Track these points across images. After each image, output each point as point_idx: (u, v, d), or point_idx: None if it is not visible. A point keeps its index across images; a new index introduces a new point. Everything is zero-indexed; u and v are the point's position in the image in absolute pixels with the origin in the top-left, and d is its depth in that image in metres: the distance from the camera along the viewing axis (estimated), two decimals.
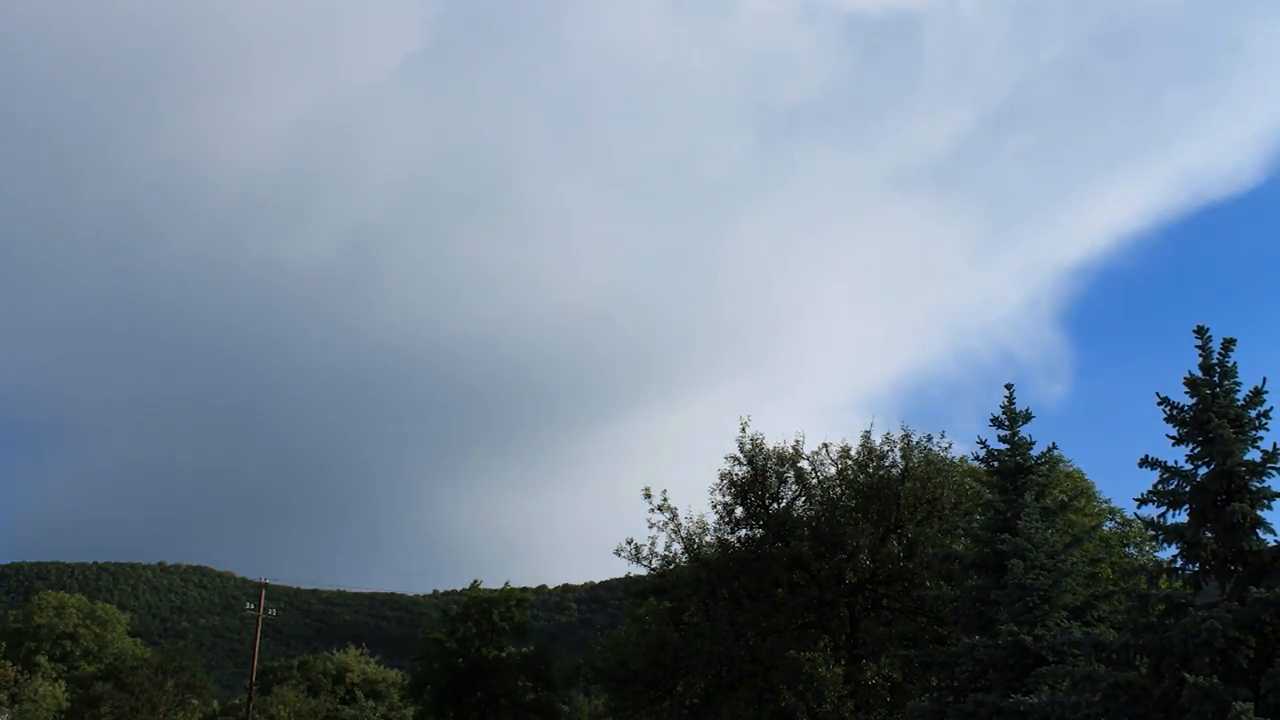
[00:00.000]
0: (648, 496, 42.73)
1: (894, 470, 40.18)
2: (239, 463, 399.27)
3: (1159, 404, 22.52)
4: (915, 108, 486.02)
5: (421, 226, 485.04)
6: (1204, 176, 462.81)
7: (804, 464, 42.11)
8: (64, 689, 73.82)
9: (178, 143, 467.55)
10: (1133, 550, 40.84)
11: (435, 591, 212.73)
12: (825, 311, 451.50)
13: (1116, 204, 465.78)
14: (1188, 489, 22.04)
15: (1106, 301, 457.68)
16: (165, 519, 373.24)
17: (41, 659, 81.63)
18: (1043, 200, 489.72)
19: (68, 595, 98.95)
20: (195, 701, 74.59)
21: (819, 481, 41.86)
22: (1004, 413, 28.66)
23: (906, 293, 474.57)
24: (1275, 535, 21.28)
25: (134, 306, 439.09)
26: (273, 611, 74.95)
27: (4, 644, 78.22)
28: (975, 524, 29.25)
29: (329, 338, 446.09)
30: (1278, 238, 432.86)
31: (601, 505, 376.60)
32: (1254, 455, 21.64)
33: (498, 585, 62.90)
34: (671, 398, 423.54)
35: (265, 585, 73.06)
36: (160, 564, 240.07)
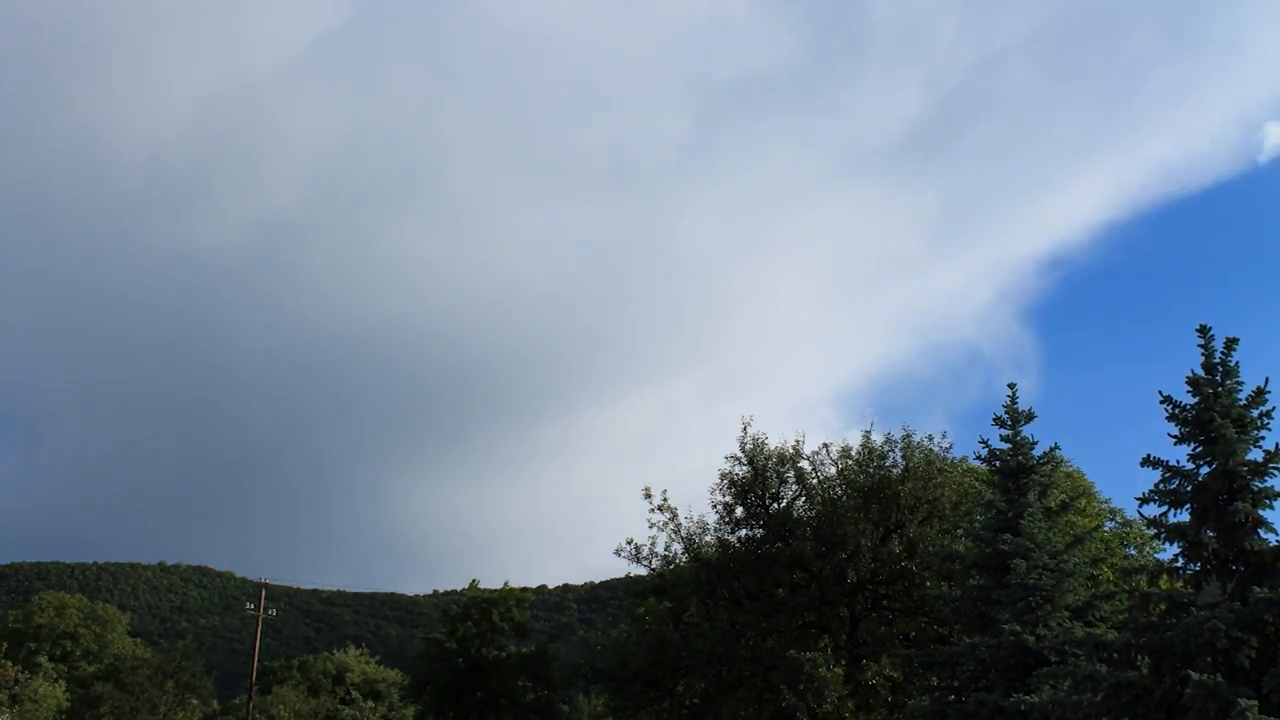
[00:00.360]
0: (648, 496, 42.79)
1: (894, 470, 40.16)
2: (187, 455, 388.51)
3: (1161, 402, 22.52)
4: (866, 84, 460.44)
5: (345, 211, 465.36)
6: (1179, 166, 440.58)
7: (804, 464, 42.15)
8: (64, 689, 73.86)
9: (84, 118, 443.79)
10: (1133, 551, 40.83)
11: (435, 591, 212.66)
12: (783, 304, 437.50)
13: (1085, 194, 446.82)
14: (1189, 488, 22.01)
15: (1075, 295, 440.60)
16: (108, 513, 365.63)
17: (42, 659, 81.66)
18: (1008, 188, 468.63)
19: (68, 595, 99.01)
20: (195, 701, 74.65)
21: (819, 481, 41.86)
22: (1006, 412, 28.64)
23: (867, 284, 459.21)
24: (1277, 535, 21.26)
25: (53, 289, 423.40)
26: (273, 611, 74.91)
27: (4, 644, 78.22)
28: (977, 524, 29.24)
29: (275, 322, 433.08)
30: (1253, 229, 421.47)
31: (558, 499, 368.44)
32: (1256, 455, 21.64)
33: (496, 585, 63.05)
34: (624, 390, 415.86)
35: (265, 585, 72.99)
36: (160, 564, 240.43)
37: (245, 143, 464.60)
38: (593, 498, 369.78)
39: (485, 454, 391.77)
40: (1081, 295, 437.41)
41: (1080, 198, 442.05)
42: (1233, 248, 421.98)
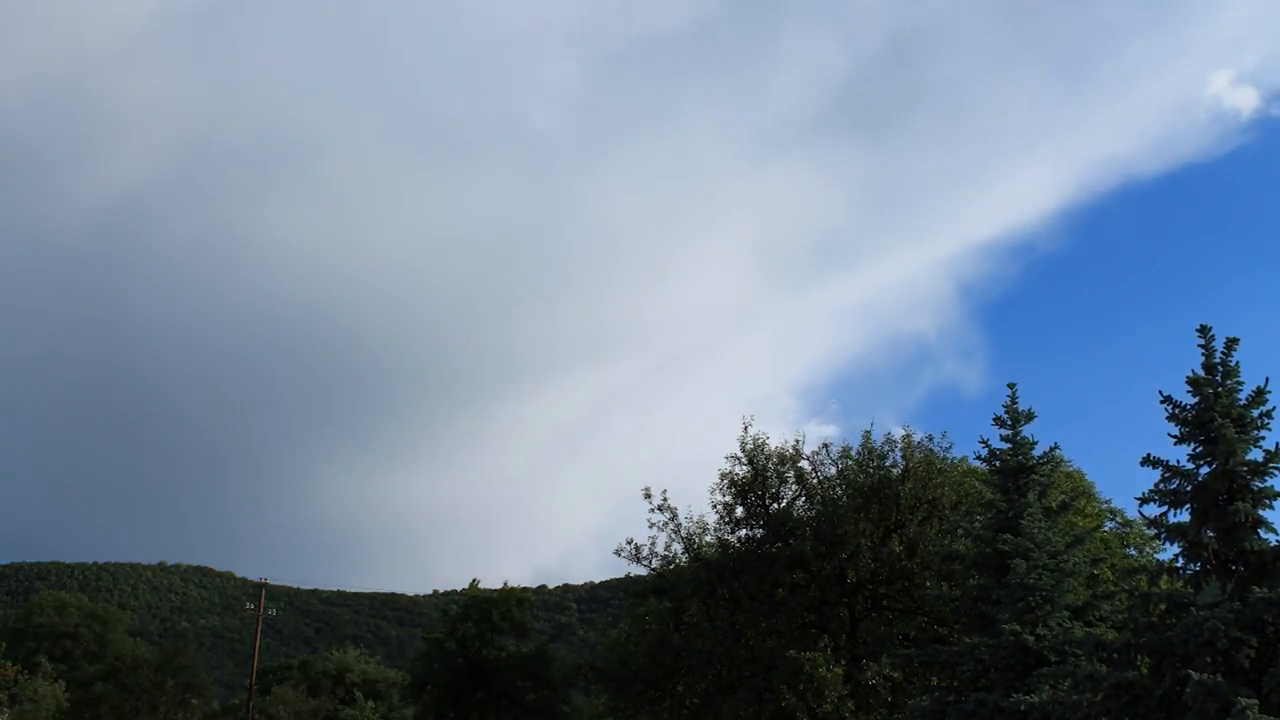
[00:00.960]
0: (648, 496, 42.80)
1: (894, 470, 40.17)
2: (118, 442, 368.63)
3: (1161, 402, 22.53)
4: (789, 42, 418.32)
5: (223, 187, 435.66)
6: (1143, 147, 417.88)
7: (804, 464, 42.18)
8: (64, 689, 73.79)
9: None
10: (1133, 551, 40.87)
11: (435, 591, 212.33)
12: (713, 286, 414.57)
13: (1038, 177, 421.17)
14: (1189, 488, 22.03)
15: (1030, 283, 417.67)
16: (41, 514, 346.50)
17: (42, 659, 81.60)
18: (958, 166, 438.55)
19: (68, 595, 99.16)
20: (195, 701, 74.66)
21: (819, 481, 41.88)
22: (1006, 412, 28.64)
23: (803, 268, 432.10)
24: (1277, 535, 21.31)
25: None
26: (273, 611, 75.04)
27: (4, 644, 78.18)
28: (976, 524, 29.23)
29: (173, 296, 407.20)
30: (1206, 221, 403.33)
31: (492, 490, 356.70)
32: (1256, 455, 21.68)
33: (496, 584, 63.22)
34: (556, 376, 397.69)
35: (265, 585, 73.07)
36: (160, 564, 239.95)
37: (100, 115, 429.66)
38: (531, 489, 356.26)
39: (413, 442, 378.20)
40: (1037, 284, 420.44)
41: (1038, 180, 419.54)
42: (1200, 230, 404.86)
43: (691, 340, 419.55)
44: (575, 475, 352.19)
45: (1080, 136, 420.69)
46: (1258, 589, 20.01)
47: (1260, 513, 21.34)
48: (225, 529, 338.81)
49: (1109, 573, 34.95)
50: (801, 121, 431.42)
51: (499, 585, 63.44)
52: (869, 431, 42.29)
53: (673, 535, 42.75)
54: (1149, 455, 22.31)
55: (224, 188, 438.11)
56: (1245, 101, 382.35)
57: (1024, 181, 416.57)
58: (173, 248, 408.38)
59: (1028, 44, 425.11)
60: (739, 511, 42.06)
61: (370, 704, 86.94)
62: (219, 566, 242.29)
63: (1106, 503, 42.78)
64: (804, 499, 41.78)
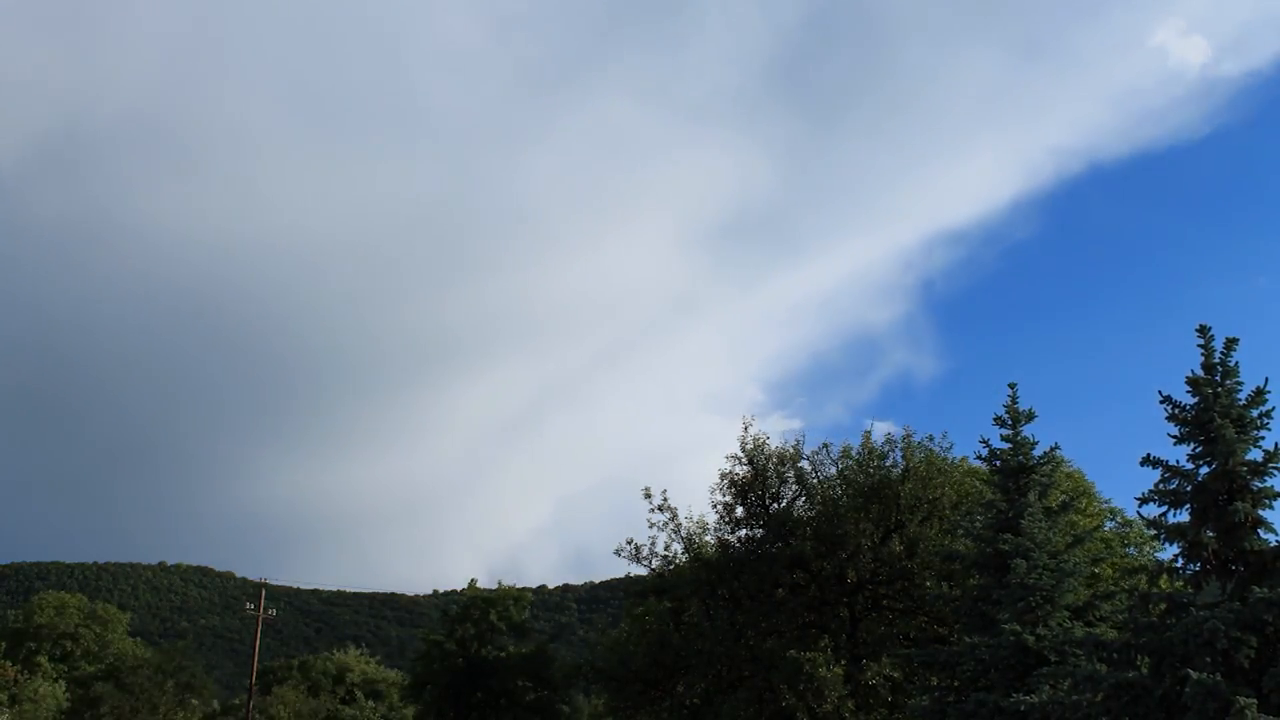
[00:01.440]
0: (648, 496, 42.84)
1: (894, 470, 40.18)
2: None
3: (1161, 403, 22.53)
4: (716, 11, 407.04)
5: (94, 169, 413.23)
6: (1088, 140, 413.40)
7: (804, 464, 42.22)
8: (64, 689, 73.81)
9: None
10: (1133, 550, 40.86)
11: (435, 591, 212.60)
12: (648, 276, 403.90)
13: (991, 164, 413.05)
14: (1189, 488, 22.04)
15: (982, 273, 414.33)
16: None
17: (42, 659, 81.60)
18: (906, 150, 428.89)
19: (68, 595, 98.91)
20: (195, 701, 74.65)
21: (819, 481, 41.90)
22: (1007, 411, 28.64)
23: (741, 250, 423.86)
24: (1277, 535, 21.32)
25: None
26: (273, 611, 74.92)
27: (4, 644, 78.22)
28: (977, 524, 29.23)
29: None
30: (1170, 199, 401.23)
31: (430, 483, 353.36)
32: (1256, 455, 21.71)
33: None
34: (492, 364, 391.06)
35: (265, 585, 73.04)
36: (160, 564, 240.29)
37: None
38: (478, 481, 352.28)
39: (347, 434, 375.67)
40: (1000, 273, 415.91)
41: (991, 165, 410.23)
42: (1168, 210, 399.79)
43: (630, 327, 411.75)
44: (519, 469, 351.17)
45: (1038, 117, 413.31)
46: (1257, 589, 20.03)
47: (1260, 513, 21.36)
48: (157, 518, 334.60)
49: (1109, 572, 34.97)
50: (732, 96, 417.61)
51: (494, 586, 63.59)
52: (869, 431, 42.45)
53: (673, 535, 42.82)
54: (1149, 455, 22.34)
55: (117, 164, 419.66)
56: (1195, 56, 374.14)
57: (983, 164, 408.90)
58: (55, 227, 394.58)
59: (982, 19, 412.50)
60: (739, 511, 42.10)
61: (370, 704, 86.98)
62: (219, 566, 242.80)
63: (1106, 502, 42.81)
64: (804, 499, 41.79)
